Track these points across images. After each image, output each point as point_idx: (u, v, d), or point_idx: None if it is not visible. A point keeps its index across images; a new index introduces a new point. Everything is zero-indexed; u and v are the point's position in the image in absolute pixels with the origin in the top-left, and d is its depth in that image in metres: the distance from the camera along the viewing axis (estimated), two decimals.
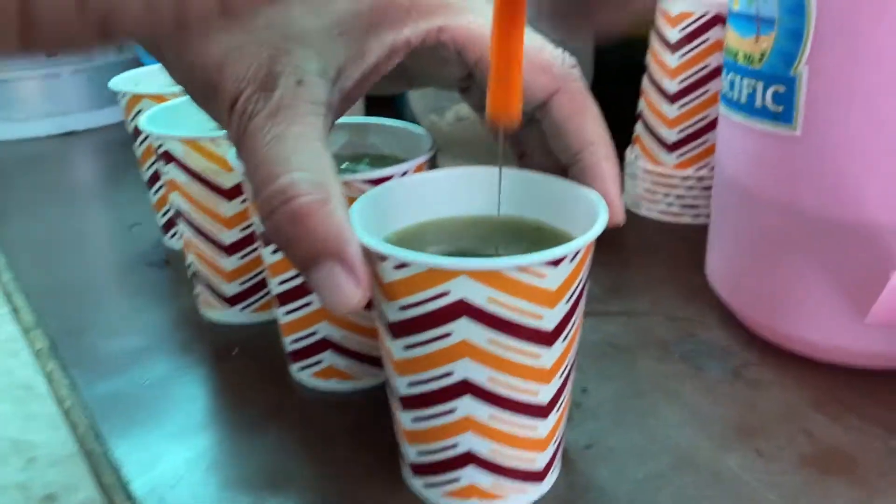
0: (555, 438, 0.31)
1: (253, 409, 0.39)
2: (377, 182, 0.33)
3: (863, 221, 0.35)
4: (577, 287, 0.28)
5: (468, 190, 0.34)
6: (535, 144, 0.34)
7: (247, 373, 0.42)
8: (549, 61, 0.31)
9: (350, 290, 0.26)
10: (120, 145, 0.84)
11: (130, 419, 0.38)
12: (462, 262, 0.26)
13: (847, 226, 0.36)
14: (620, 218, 0.31)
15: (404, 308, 0.28)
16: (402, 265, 0.27)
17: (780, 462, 0.34)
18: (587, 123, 0.31)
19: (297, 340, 0.39)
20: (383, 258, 0.27)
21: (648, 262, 0.53)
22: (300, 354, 0.39)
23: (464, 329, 0.27)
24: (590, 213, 0.30)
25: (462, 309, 0.27)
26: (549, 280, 0.27)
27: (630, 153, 0.59)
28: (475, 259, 0.26)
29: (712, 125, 0.54)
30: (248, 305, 0.45)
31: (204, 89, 0.29)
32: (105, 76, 0.84)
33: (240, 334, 0.45)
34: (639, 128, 0.58)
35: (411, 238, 0.32)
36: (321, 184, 0.26)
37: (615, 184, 0.31)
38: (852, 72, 0.34)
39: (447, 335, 0.28)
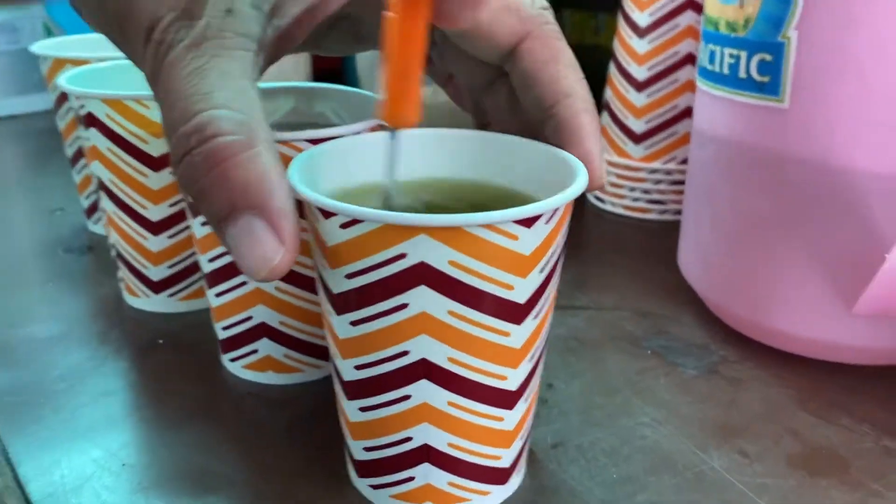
0: (522, 433, 0.27)
1: (177, 404, 0.34)
2: (321, 142, 0.29)
3: (852, 197, 0.32)
4: (552, 256, 0.25)
5: (426, 152, 0.30)
6: (500, 107, 0.31)
7: (172, 366, 0.37)
8: (516, 1, 0.28)
9: (270, 248, 0.22)
10: (43, 133, 0.78)
11: (34, 414, 0.33)
12: (422, 217, 0.22)
13: (835, 203, 0.33)
14: (602, 179, 0.27)
15: (352, 276, 0.24)
16: (350, 223, 0.23)
17: (767, 463, 0.30)
18: (562, 72, 0.28)
19: (229, 327, 0.35)
20: (328, 215, 0.23)
21: (614, 257, 0.50)
22: (233, 343, 0.35)
23: (422, 299, 0.23)
24: (566, 175, 0.26)
25: (421, 275, 0.23)
26: (522, 243, 0.23)
27: None
28: (437, 215, 0.22)
29: (683, 115, 0.51)
30: (177, 292, 0.41)
31: (118, 17, 0.25)
32: (30, 61, 0.79)
33: (167, 324, 0.41)
34: (604, 118, 0.55)
35: (353, 201, 0.28)
36: (245, 124, 0.22)
37: (596, 140, 0.27)
38: (845, 37, 0.31)
39: (403, 307, 0.24)
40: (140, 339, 0.39)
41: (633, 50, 0.52)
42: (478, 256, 0.23)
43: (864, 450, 0.31)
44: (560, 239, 0.25)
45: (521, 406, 0.27)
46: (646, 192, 0.53)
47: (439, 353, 0.24)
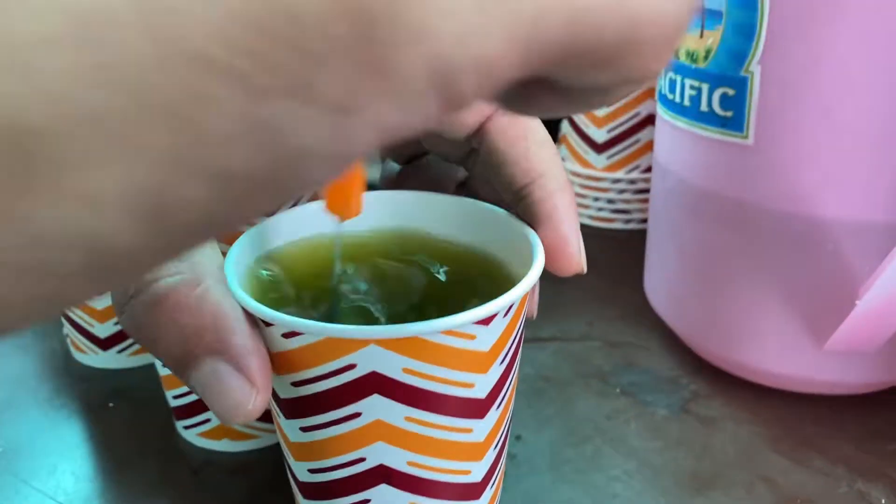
0: None
1: (134, 477, 0.33)
2: None
3: (820, 238, 0.31)
4: (512, 343, 0.23)
5: (383, 208, 0.28)
6: (477, 177, 0.29)
7: (127, 430, 0.36)
8: None
9: (241, 393, 0.20)
10: None
11: None
12: (371, 330, 0.21)
13: (804, 244, 0.32)
14: (580, 264, 0.25)
15: (298, 384, 0.22)
16: (291, 333, 0.21)
17: None
18: (532, 149, 0.25)
19: (180, 396, 0.33)
20: (269, 324, 0.22)
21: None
22: (185, 411, 0.33)
23: (376, 408, 0.22)
24: (525, 253, 0.25)
25: (373, 384, 0.21)
26: (480, 341, 0.22)
27: None
28: (386, 326, 0.21)
29: (644, 123, 0.50)
30: (126, 348, 0.39)
31: None
32: None
33: (118, 381, 0.39)
34: (565, 127, 0.54)
35: (300, 256, 0.26)
36: (188, 258, 0.21)
37: (572, 223, 0.25)
38: (809, 73, 0.30)
39: (356, 415, 0.22)
40: (91, 399, 0.38)
41: None
42: (434, 361, 0.21)
43: (839, 496, 0.31)
44: (519, 324, 0.24)
45: (488, 492, 0.25)
46: (610, 202, 0.52)
47: (398, 459, 0.23)
